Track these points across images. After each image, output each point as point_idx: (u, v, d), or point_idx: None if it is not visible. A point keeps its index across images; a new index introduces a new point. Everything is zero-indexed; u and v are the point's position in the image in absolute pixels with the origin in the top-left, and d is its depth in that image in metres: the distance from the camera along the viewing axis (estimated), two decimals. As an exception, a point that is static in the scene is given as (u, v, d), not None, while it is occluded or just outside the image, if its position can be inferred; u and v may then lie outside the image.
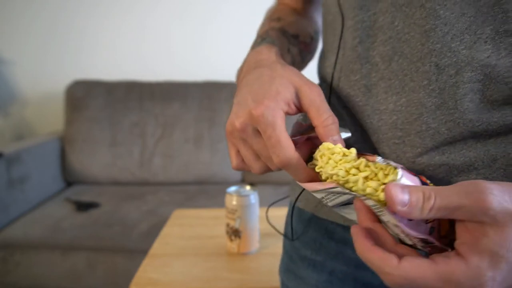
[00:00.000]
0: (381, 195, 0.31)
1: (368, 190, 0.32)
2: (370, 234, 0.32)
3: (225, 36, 2.34)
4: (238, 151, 0.42)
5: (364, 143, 0.46)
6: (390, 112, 0.41)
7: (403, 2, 0.38)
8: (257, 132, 0.38)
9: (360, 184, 0.32)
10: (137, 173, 2.14)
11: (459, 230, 0.29)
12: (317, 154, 0.38)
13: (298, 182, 0.39)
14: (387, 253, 0.30)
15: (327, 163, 0.36)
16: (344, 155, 0.35)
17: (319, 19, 0.66)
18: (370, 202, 0.32)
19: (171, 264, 1.02)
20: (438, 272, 0.28)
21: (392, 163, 0.33)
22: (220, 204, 1.63)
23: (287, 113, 0.38)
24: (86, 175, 2.14)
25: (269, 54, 0.45)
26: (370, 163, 0.34)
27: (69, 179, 2.17)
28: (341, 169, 0.34)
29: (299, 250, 0.55)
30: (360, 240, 0.32)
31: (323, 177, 0.37)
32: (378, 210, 0.32)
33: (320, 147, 0.37)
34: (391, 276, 0.29)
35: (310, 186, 0.38)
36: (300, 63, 0.55)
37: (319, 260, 0.52)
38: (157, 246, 1.11)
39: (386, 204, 0.31)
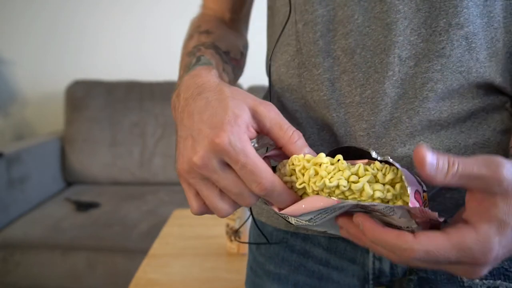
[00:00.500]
0: (388, 195, 0.31)
1: (377, 194, 0.31)
2: None
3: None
4: (197, 193, 0.36)
5: (320, 142, 0.46)
6: (356, 104, 0.42)
7: None
8: (224, 165, 0.33)
9: (368, 190, 0.31)
10: (137, 173, 2.14)
11: (470, 201, 0.31)
12: (290, 170, 0.35)
13: (277, 212, 0.36)
14: (401, 231, 0.31)
15: (315, 175, 0.33)
16: (332, 163, 0.33)
17: (245, 33, 0.65)
18: (380, 206, 0.31)
19: (170, 264, 1.02)
20: (452, 241, 0.29)
21: (385, 158, 0.33)
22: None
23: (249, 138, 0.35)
24: (86, 175, 2.14)
25: (209, 76, 0.40)
26: (367, 166, 0.32)
27: (69, 179, 2.18)
28: (341, 179, 0.31)
29: (263, 264, 0.54)
30: (368, 225, 0.32)
31: (309, 193, 0.34)
32: (388, 211, 0.32)
33: (291, 160, 0.35)
34: (410, 251, 0.30)
35: (301, 209, 0.34)
36: (233, 81, 0.52)
37: (283, 273, 0.52)
38: (157, 246, 1.11)
39: (395, 202, 0.32)
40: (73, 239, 1.58)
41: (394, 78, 0.40)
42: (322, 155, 0.33)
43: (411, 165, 0.40)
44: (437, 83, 0.39)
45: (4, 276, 1.57)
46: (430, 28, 0.38)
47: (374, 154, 0.33)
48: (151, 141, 2.16)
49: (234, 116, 0.33)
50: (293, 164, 0.35)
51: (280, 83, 0.48)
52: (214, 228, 1.22)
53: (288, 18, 0.46)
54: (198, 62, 0.44)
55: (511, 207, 0.29)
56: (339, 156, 0.33)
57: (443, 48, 0.38)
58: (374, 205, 0.31)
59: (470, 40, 0.38)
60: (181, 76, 0.45)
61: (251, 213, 0.53)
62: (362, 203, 0.31)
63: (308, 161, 0.33)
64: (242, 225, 0.55)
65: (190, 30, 0.56)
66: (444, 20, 0.38)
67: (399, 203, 0.32)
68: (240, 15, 0.63)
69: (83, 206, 1.81)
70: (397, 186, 0.32)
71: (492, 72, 0.39)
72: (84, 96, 2.17)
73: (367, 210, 0.33)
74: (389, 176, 0.32)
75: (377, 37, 0.40)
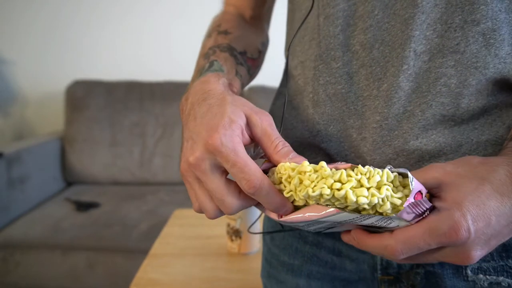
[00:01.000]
0: (373, 200, 0.31)
1: (361, 200, 0.31)
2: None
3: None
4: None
5: (328, 138, 0.47)
6: (374, 97, 0.43)
7: None
8: (215, 167, 0.36)
9: (351, 197, 0.30)
10: (137, 173, 2.14)
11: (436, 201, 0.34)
12: (278, 178, 0.35)
13: (273, 218, 0.37)
14: (381, 234, 0.34)
15: (300, 184, 0.33)
16: (316, 171, 0.33)
17: (267, 29, 0.66)
18: (374, 219, 0.32)
19: (171, 264, 1.02)
20: (423, 226, 0.32)
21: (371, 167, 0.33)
22: (220, 204, 1.63)
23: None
24: (86, 175, 2.14)
25: (217, 84, 0.43)
26: (350, 172, 0.32)
27: (69, 179, 2.17)
28: (324, 187, 0.31)
29: (278, 256, 0.56)
30: (359, 236, 0.36)
31: (298, 201, 0.34)
32: (384, 223, 0.33)
33: (278, 169, 0.35)
34: (390, 247, 0.33)
35: (299, 218, 0.35)
36: (247, 81, 0.54)
37: (296, 264, 0.54)
38: (158, 246, 1.11)
39: (382, 206, 0.32)
40: (73, 239, 1.58)
41: (408, 72, 0.40)
42: (306, 163, 0.33)
43: (422, 158, 0.42)
44: (450, 78, 0.39)
45: (4, 276, 1.57)
46: (446, 24, 0.39)
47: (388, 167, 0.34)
48: (151, 141, 2.15)
49: (229, 121, 0.36)
50: (280, 173, 0.35)
51: (298, 77, 0.50)
52: (215, 228, 1.22)
53: (310, 10, 0.46)
54: (211, 68, 0.47)
55: (467, 188, 0.33)
56: (322, 163, 0.33)
57: (457, 44, 0.39)
58: (370, 221, 0.32)
59: (488, 36, 0.38)
60: (193, 79, 0.47)
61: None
62: (359, 222, 0.33)
63: (293, 169, 0.34)
64: (252, 224, 0.55)
65: (210, 27, 0.58)
66: (460, 16, 0.39)
67: (387, 206, 0.31)
68: (262, 11, 0.64)
69: (83, 206, 1.80)
70: (383, 189, 0.31)
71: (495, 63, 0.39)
72: (84, 96, 2.17)
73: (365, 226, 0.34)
74: (373, 180, 0.31)
75: (396, 32, 0.41)
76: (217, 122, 0.36)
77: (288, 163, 0.35)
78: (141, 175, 2.14)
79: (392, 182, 0.32)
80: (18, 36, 2.36)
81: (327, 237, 0.52)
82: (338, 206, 0.32)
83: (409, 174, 0.32)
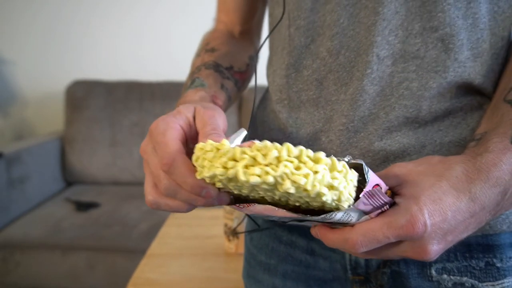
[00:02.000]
0: (268, 178, 0.28)
1: (252, 180, 0.28)
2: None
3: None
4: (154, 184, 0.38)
5: (299, 141, 0.49)
6: (341, 101, 0.45)
7: (347, 3, 0.43)
8: (155, 149, 0.36)
9: (241, 177, 0.28)
10: (137, 173, 2.14)
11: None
12: (193, 160, 0.33)
13: (236, 209, 0.37)
14: (343, 228, 0.35)
15: (203, 166, 0.31)
16: (218, 149, 0.31)
17: (257, 42, 0.69)
18: (337, 216, 0.32)
19: (169, 264, 1.02)
20: (383, 219, 0.33)
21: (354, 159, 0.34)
22: (220, 204, 1.63)
23: (186, 133, 0.38)
24: (86, 175, 2.15)
25: (193, 96, 0.47)
26: (246, 149, 0.29)
27: (69, 179, 2.18)
28: (218, 167, 0.29)
29: (256, 256, 0.58)
30: (322, 232, 0.36)
31: (208, 182, 0.32)
32: (346, 218, 0.33)
33: (194, 150, 0.33)
34: (350, 240, 0.33)
35: (257, 210, 0.34)
36: (236, 94, 0.56)
37: (272, 263, 0.55)
38: (155, 246, 1.11)
39: (282, 184, 0.29)
40: (73, 239, 1.58)
41: (372, 76, 0.42)
42: (209, 141, 0.32)
43: (387, 158, 0.44)
44: (412, 82, 0.42)
45: (4, 276, 1.58)
46: (407, 30, 0.41)
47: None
48: (151, 141, 2.15)
49: (176, 112, 0.38)
50: (194, 154, 0.33)
51: (272, 84, 0.52)
52: (212, 228, 1.22)
53: (280, 20, 0.49)
54: (192, 84, 0.50)
55: (425, 184, 0.34)
56: (224, 140, 0.31)
57: (417, 50, 0.41)
58: (331, 217, 0.32)
59: (447, 42, 0.41)
60: (181, 96, 0.51)
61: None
62: (324, 220, 0.32)
63: (201, 148, 0.32)
64: (239, 224, 0.55)
65: (200, 46, 0.61)
66: (419, 24, 0.41)
67: (287, 185, 0.28)
68: (251, 25, 0.66)
69: (83, 206, 1.81)
70: (280, 165, 0.28)
71: (473, 73, 0.41)
72: (84, 96, 2.17)
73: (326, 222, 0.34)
74: (270, 156, 0.28)
75: (360, 39, 0.43)
76: (167, 114, 0.38)
77: (201, 143, 0.33)
78: (141, 175, 2.14)
79: (332, 167, 0.30)
80: (18, 36, 2.36)
81: (300, 237, 0.53)
82: (234, 188, 0.31)
83: (364, 165, 0.32)
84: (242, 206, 0.36)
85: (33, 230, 1.62)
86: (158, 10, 2.33)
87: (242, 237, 1.05)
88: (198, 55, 0.58)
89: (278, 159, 0.28)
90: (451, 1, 0.40)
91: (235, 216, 1.03)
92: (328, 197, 0.29)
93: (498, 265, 0.45)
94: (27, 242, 1.58)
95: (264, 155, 0.28)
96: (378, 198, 0.32)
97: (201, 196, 0.34)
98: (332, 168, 0.30)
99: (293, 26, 0.48)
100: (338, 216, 0.32)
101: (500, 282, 0.45)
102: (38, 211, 1.80)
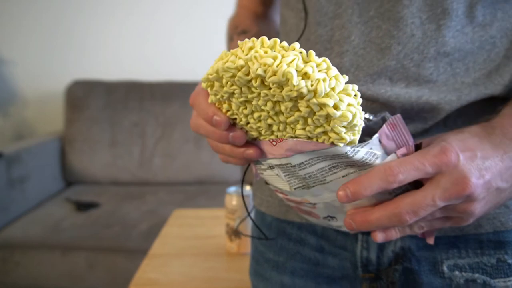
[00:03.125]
0: (237, 61, 0.30)
1: (227, 65, 0.30)
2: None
3: (225, 36, 2.33)
4: None
5: None
6: None
7: (358, 20, 0.43)
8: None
9: (220, 65, 0.31)
10: (137, 173, 2.14)
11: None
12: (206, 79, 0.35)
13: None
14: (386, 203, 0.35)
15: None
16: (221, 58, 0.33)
17: (277, 19, 0.69)
18: (362, 151, 0.32)
19: (170, 264, 1.02)
20: (414, 155, 0.34)
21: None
22: (220, 204, 1.63)
23: None
24: (86, 175, 2.14)
25: None
26: (232, 49, 0.32)
27: (69, 179, 2.17)
28: (218, 63, 0.32)
29: (264, 253, 0.58)
30: (358, 213, 0.36)
31: (217, 106, 0.36)
32: (371, 157, 0.33)
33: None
34: (390, 169, 0.33)
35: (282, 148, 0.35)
36: None
37: (281, 261, 0.55)
38: (157, 246, 1.11)
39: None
40: (73, 239, 1.58)
41: (387, 95, 0.42)
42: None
43: None
44: (428, 104, 0.42)
45: (4, 276, 1.57)
46: (422, 54, 0.41)
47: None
48: (151, 141, 2.15)
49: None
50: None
51: None
52: (214, 228, 1.22)
53: (302, 34, 0.49)
54: None
55: (449, 133, 0.36)
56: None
57: (430, 74, 0.42)
58: (360, 155, 0.32)
59: (454, 66, 0.41)
60: None
61: (248, 206, 0.56)
62: (349, 157, 0.32)
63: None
64: (240, 223, 0.55)
65: (229, 31, 0.61)
66: (434, 48, 0.41)
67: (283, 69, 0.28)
68: (271, 6, 0.68)
69: (83, 206, 1.81)
70: (253, 50, 0.30)
71: (489, 89, 0.42)
72: (84, 96, 2.17)
73: (352, 164, 0.34)
74: (246, 46, 0.30)
75: (371, 59, 0.42)
76: None
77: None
78: (141, 175, 2.14)
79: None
80: (18, 36, 2.36)
81: (310, 234, 0.53)
82: (237, 101, 0.33)
83: (389, 117, 0.35)
84: (274, 143, 0.36)
85: (33, 230, 1.62)
86: (158, 10, 2.33)
87: (243, 237, 1.05)
88: (231, 39, 0.59)
89: (251, 48, 0.30)
90: (459, 27, 0.41)
91: (236, 216, 1.03)
92: (302, 84, 0.28)
93: (510, 261, 0.45)
94: (27, 242, 1.58)
95: (242, 49, 0.30)
96: (401, 130, 0.33)
97: (213, 124, 0.37)
98: (308, 59, 0.29)
99: (304, 39, 0.48)
100: (363, 151, 0.32)
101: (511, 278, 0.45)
102: (38, 211, 1.80)
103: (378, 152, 0.33)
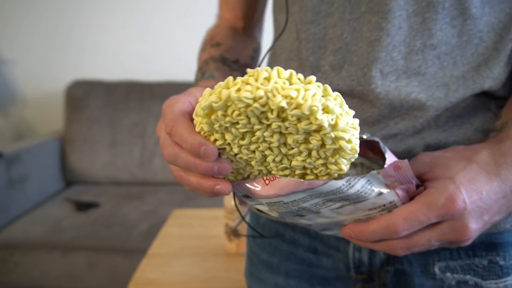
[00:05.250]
0: (258, 93, 0.28)
1: (243, 94, 0.28)
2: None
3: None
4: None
5: None
6: None
7: (350, 18, 0.43)
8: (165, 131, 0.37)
9: (233, 94, 0.28)
10: (137, 173, 2.14)
11: (427, 175, 0.37)
12: (193, 115, 0.33)
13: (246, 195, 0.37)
14: (380, 217, 0.35)
15: (198, 111, 0.31)
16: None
17: (259, 36, 0.70)
18: (360, 182, 0.32)
19: (170, 264, 1.02)
20: (420, 201, 0.33)
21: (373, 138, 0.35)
22: (220, 204, 1.63)
23: (194, 108, 0.37)
24: (86, 175, 2.14)
25: (205, 85, 0.47)
26: (238, 77, 0.30)
27: (69, 179, 2.18)
28: (213, 96, 0.30)
29: (258, 254, 0.58)
30: (356, 228, 0.36)
31: (206, 135, 0.33)
32: (367, 190, 0.33)
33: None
34: (392, 225, 0.33)
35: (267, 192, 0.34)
36: None
37: (275, 262, 0.55)
38: (156, 246, 1.11)
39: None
40: (73, 239, 1.58)
41: (377, 90, 0.42)
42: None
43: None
44: (418, 94, 0.42)
45: (4, 276, 1.57)
46: (409, 46, 0.42)
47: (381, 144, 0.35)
48: (151, 141, 2.16)
49: (186, 92, 0.39)
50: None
51: None
52: (213, 228, 1.22)
53: (283, 31, 0.49)
54: (203, 77, 0.51)
55: (457, 166, 0.35)
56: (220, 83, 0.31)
57: (419, 66, 0.42)
58: (353, 183, 0.31)
59: (442, 60, 0.42)
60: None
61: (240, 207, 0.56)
62: (342, 193, 0.32)
63: (199, 101, 0.32)
64: (239, 223, 0.55)
65: (204, 41, 0.61)
66: (420, 41, 0.41)
67: (278, 99, 0.28)
68: (253, 21, 0.67)
69: (83, 206, 1.81)
70: (270, 81, 0.28)
71: (478, 82, 0.42)
72: (84, 96, 2.17)
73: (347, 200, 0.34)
74: (260, 78, 0.29)
75: (362, 53, 0.43)
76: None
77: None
78: (141, 175, 2.15)
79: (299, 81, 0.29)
80: (18, 36, 2.36)
81: (303, 235, 0.53)
82: (234, 138, 0.31)
83: (380, 142, 0.34)
84: (267, 182, 0.34)
85: (33, 230, 1.62)
86: (158, 10, 2.33)
87: (242, 237, 1.05)
88: (203, 49, 0.59)
89: (268, 79, 0.28)
90: (447, 19, 0.41)
91: (235, 216, 1.03)
92: (324, 118, 0.28)
93: (501, 263, 0.45)
94: (27, 242, 1.58)
95: (256, 78, 0.29)
96: (405, 173, 0.33)
97: (200, 155, 0.32)
98: (325, 93, 0.29)
99: (298, 40, 0.48)
100: (360, 184, 0.32)
101: (503, 280, 0.45)
102: (38, 211, 1.80)
103: (376, 185, 0.33)
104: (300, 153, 0.32)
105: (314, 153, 0.31)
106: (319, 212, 0.36)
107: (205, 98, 0.31)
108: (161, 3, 2.32)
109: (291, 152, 0.32)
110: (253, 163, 0.34)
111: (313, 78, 0.29)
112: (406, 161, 0.33)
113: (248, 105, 0.28)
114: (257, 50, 0.65)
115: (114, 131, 2.15)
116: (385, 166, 0.32)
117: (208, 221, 1.28)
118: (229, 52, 0.57)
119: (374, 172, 0.32)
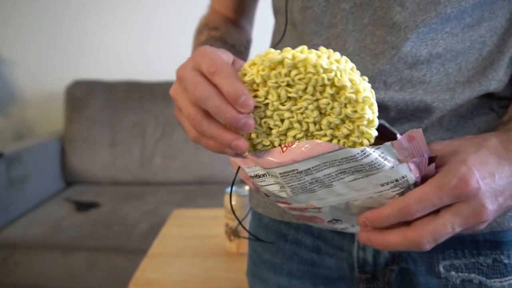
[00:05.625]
0: (331, 67, 0.31)
1: (320, 62, 0.31)
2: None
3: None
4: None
5: None
6: None
7: (353, 29, 0.43)
8: (197, 71, 0.35)
9: (312, 58, 0.31)
10: (137, 173, 2.14)
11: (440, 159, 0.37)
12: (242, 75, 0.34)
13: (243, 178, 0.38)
14: (392, 201, 0.35)
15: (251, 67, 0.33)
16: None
17: (250, 29, 0.70)
18: (373, 156, 0.33)
19: (170, 264, 1.02)
20: (433, 183, 0.33)
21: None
22: (220, 204, 1.63)
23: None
24: (86, 175, 2.14)
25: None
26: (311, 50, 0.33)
27: (69, 179, 2.18)
28: (288, 50, 0.32)
29: (261, 254, 0.58)
30: (371, 215, 0.36)
31: (258, 84, 0.33)
32: (380, 161, 0.33)
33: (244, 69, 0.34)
34: (406, 206, 0.33)
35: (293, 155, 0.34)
36: None
37: (277, 262, 0.55)
38: (156, 246, 1.11)
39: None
40: (73, 239, 1.58)
41: (381, 100, 0.42)
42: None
43: None
44: (422, 102, 0.42)
45: (4, 276, 1.57)
46: (415, 56, 0.42)
47: (398, 135, 0.36)
48: (151, 141, 2.16)
49: (216, 48, 0.37)
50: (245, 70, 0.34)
51: None
52: (214, 228, 1.22)
53: (282, 37, 0.50)
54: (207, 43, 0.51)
55: (467, 151, 0.35)
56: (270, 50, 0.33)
57: (424, 75, 0.42)
58: (368, 154, 0.32)
59: (446, 67, 0.42)
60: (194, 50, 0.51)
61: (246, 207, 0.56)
62: (356, 163, 0.33)
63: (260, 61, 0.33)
64: (239, 223, 0.56)
65: (199, 26, 0.61)
66: (426, 50, 0.42)
67: (344, 79, 0.32)
68: (243, 15, 0.68)
69: (83, 206, 1.81)
70: (340, 61, 0.32)
71: (483, 85, 0.42)
72: (84, 96, 2.17)
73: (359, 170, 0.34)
74: (333, 57, 0.32)
75: (366, 65, 0.43)
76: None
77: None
78: (141, 175, 2.14)
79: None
80: (18, 36, 2.36)
81: (306, 235, 0.53)
82: (273, 92, 0.32)
83: (386, 124, 0.36)
84: (285, 148, 0.35)
85: (33, 230, 1.62)
86: (158, 10, 2.33)
87: (243, 235, 1.05)
88: (200, 32, 0.58)
89: (338, 61, 0.32)
90: (448, 29, 0.41)
91: (236, 216, 1.03)
92: (369, 112, 0.32)
93: (506, 261, 0.45)
94: (27, 242, 1.58)
95: (329, 56, 0.32)
96: (418, 143, 0.33)
97: (238, 102, 0.31)
98: (372, 94, 0.34)
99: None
100: (374, 156, 0.33)
101: (507, 278, 0.45)
102: (38, 211, 1.80)
103: (390, 159, 0.34)
104: (323, 136, 0.34)
105: (335, 141, 0.34)
106: (331, 185, 0.36)
107: (267, 55, 0.32)
108: (161, 3, 2.32)
109: (316, 133, 0.34)
110: (274, 131, 0.35)
111: (366, 78, 0.33)
112: (420, 130, 0.33)
113: (317, 73, 0.31)
114: (249, 42, 0.65)
115: (114, 131, 2.15)
116: (398, 137, 0.33)
117: (208, 221, 1.28)
118: (227, 36, 0.57)
119: (388, 143, 0.33)
